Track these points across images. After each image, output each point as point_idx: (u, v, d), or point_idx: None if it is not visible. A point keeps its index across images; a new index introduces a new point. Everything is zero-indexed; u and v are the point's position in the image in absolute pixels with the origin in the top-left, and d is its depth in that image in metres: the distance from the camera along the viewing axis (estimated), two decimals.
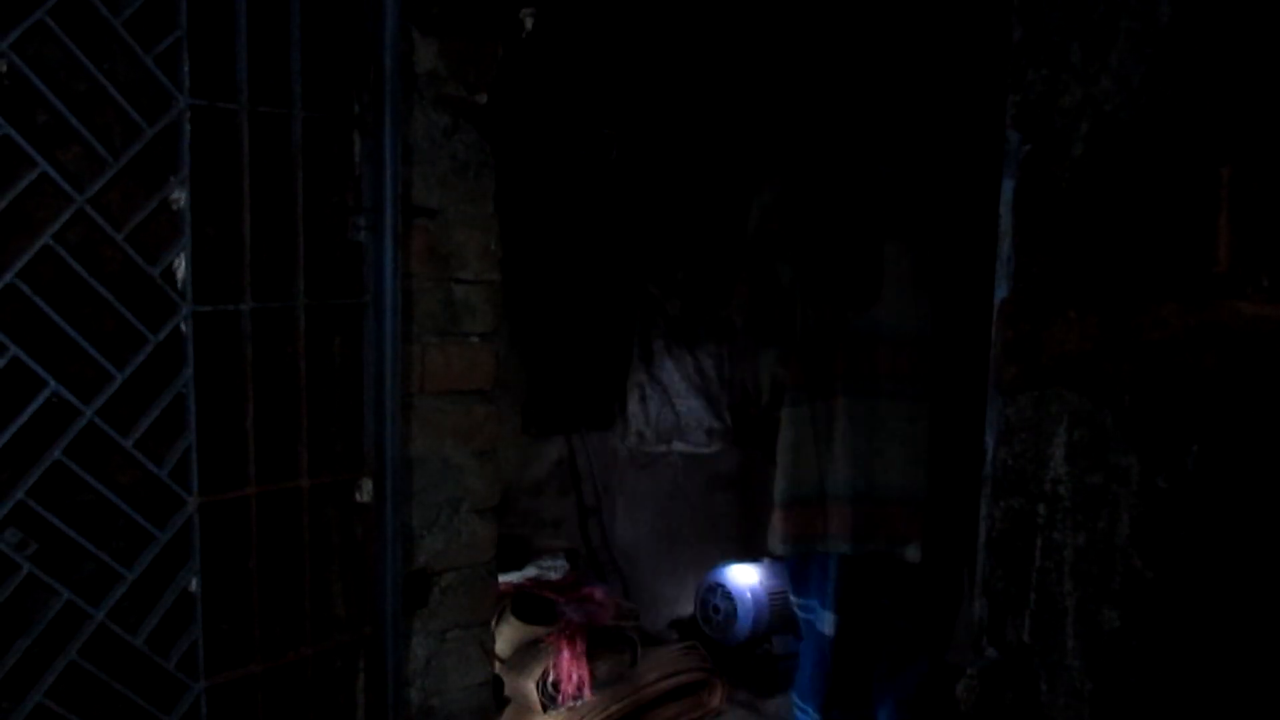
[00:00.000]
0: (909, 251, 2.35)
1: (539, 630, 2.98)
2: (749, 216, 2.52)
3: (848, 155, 2.49)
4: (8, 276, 1.28)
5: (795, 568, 2.52)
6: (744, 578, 3.74)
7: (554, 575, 3.35)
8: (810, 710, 2.51)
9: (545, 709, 2.84)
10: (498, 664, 2.79)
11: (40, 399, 1.31)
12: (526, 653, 2.92)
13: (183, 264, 1.44)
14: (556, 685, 2.85)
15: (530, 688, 2.83)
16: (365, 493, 1.71)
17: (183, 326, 1.45)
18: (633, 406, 3.86)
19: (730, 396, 3.87)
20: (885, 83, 2.89)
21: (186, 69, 1.40)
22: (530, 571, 3.34)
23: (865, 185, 2.39)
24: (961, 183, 2.36)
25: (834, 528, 2.33)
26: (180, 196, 1.43)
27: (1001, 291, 1.06)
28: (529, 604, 3.10)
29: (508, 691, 2.88)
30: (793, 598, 2.57)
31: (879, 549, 2.31)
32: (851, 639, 2.39)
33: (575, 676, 2.87)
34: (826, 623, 2.39)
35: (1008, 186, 1.05)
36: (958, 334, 2.29)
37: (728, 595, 3.73)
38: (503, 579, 3.08)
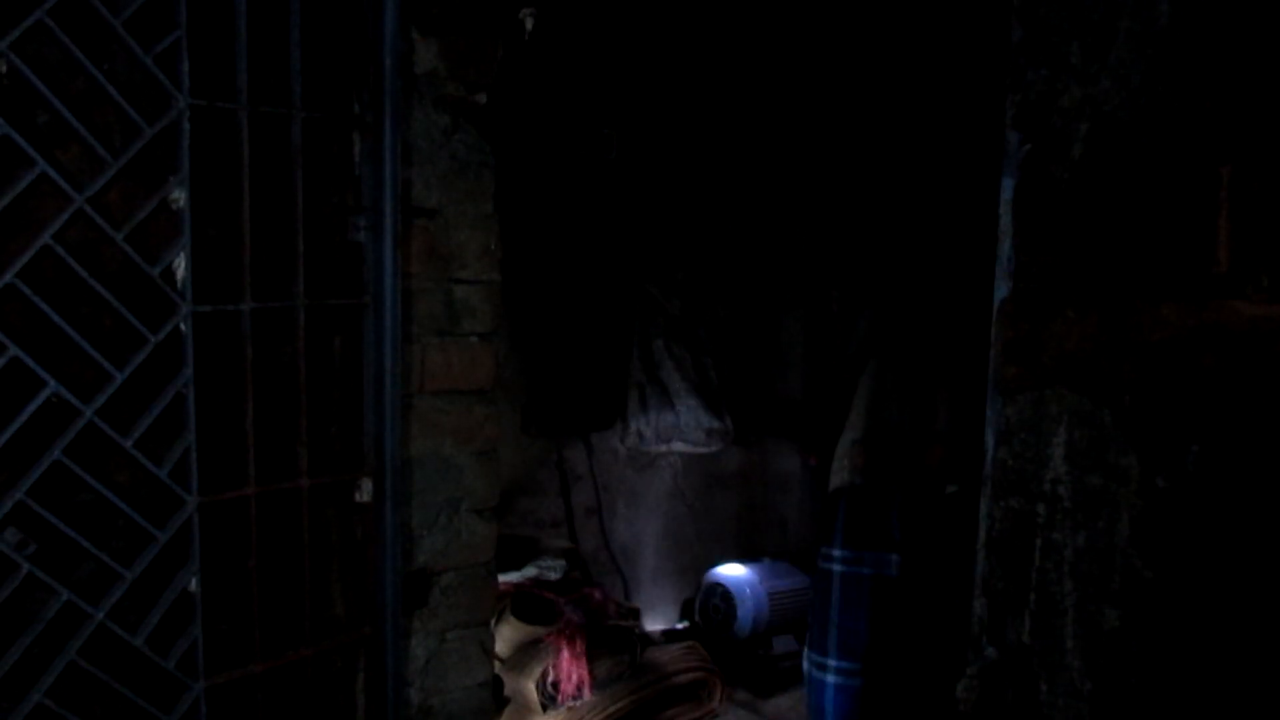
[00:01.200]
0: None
1: (539, 630, 2.98)
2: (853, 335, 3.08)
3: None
4: (7, 276, 1.27)
5: (851, 513, 2.76)
6: (744, 578, 3.74)
7: (554, 575, 3.34)
8: (847, 663, 2.70)
9: (545, 709, 2.84)
10: (497, 664, 2.79)
11: (40, 399, 1.31)
12: (526, 653, 2.92)
13: (182, 264, 1.44)
14: (556, 685, 2.85)
15: (530, 687, 2.83)
16: (365, 493, 1.71)
17: (182, 326, 1.45)
18: (632, 406, 3.85)
19: (830, 349, 4.04)
20: (882, 79, 2.97)
21: (186, 69, 1.40)
22: (530, 571, 3.34)
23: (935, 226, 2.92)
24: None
25: (904, 462, 2.71)
26: (180, 196, 1.43)
27: (1001, 291, 1.06)
28: (529, 604, 3.10)
29: (507, 691, 2.88)
30: (834, 552, 2.77)
31: (932, 483, 2.69)
32: (912, 578, 2.69)
33: (575, 676, 2.87)
34: (890, 564, 2.69)
35: (1008, 186, 1.05)
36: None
37: (728, 595, 3.73)
38: (503, 579, 3.08)
